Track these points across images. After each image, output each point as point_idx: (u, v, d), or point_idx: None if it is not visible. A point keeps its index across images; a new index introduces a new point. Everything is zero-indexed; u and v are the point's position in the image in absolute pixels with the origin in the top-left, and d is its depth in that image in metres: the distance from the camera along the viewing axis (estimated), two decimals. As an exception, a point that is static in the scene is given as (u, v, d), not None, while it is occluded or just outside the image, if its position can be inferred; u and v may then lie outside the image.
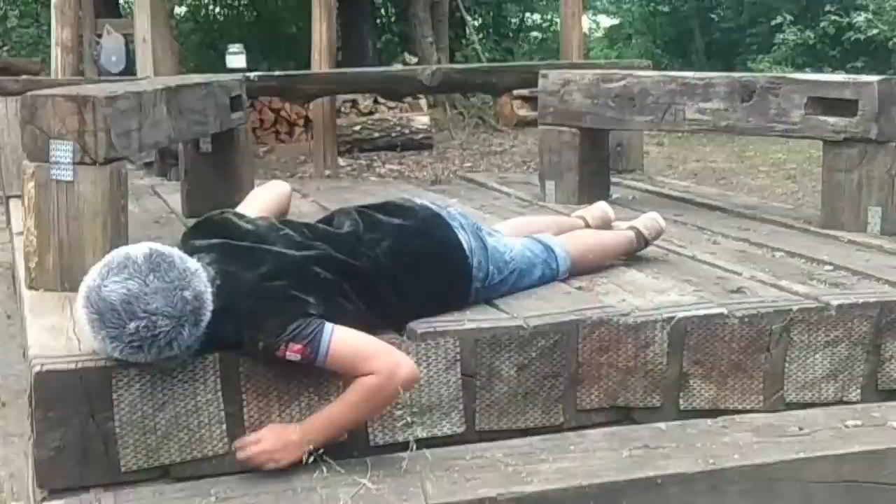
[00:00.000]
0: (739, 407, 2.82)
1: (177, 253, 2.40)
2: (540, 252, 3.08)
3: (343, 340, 2.42)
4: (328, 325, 2.41)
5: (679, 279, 3.15)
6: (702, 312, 2.81)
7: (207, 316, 2.36)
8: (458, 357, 2.63)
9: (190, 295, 2.31)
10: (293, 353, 2.38)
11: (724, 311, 2.82)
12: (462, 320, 2.70)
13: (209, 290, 2.37)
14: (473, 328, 2.66)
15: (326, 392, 2.52)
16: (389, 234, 2.74)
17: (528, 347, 2.67)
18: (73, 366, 2.36)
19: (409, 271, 2.68)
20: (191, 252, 2.51)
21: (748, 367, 2.83)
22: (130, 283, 2.27)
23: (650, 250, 3.48)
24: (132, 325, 2.25)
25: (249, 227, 2.67)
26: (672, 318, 2.78)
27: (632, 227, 3.42)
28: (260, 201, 2.99)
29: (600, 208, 3.61)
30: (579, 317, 2.74)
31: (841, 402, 2.89)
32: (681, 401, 2.81)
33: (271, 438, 2.41)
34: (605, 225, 3.54)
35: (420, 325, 2.63)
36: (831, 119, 3.81)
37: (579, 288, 3.04)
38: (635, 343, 2.75)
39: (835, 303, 2.88)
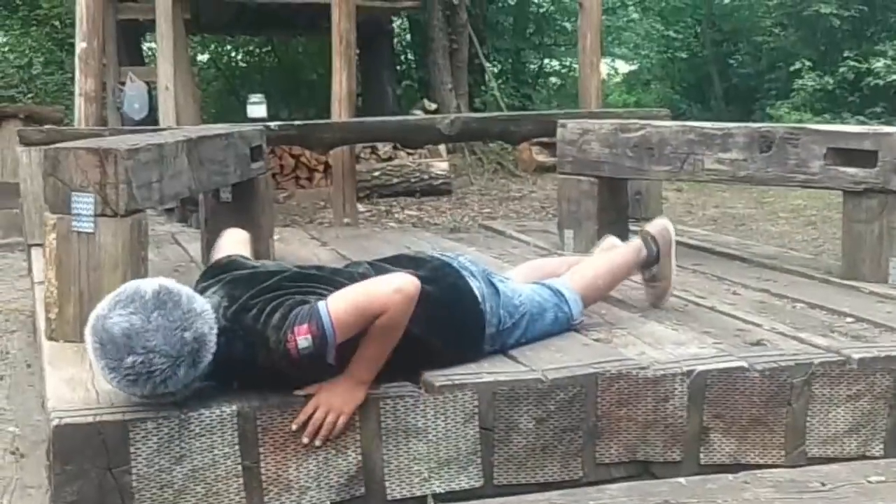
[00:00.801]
0: (761, 461, 2.79)
1: (186, 291, 2.43)
2: (549, 297, 3.07)
3: (339, 304, 2.44)
4: (322, 302, 2.44)
5: (698, 331, 3.13)
6: (722, 366, 2.79)
7: (208, 358, 2.39)
8: (477, 410, 2.62)
9: (190, 336, 2.35)
10: (302, 336, 2.39)
11: (745, 364, 2.80)
12: (480, 373, 2.69)
13: (213, 331, 2.40)
14: (491, 381, 2.65)
15: (344, 445, 2.51)
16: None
17: (547, 400, 2.66)
18: (91, 419, 2.37)
19: (422, 314, 2.64)
20: (201, 291, 2.55)
21: (769, 421, 2.80)
22: (134, 317, 2.32)
23: (670, 300, 3.46)
24: (129, 360, 2.31)
25: (256, 264, 2.78)
26: (692, 371, 2.76)
27: (640, 233, 3.39)
28: (227, 247, 3.00)
29: (610, 242, 3.61)
30: (598, 370, 2.72)
31: (863, 456, 2.85)
32: (701, 455, 2.78)
33: (323, 402, 2.46)
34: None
35: (438, 378, 2.62)
36: (851, 170, 3.80)
37: (598, 340, 3.03)
38: (654, 396, 2.73)
39: (856, 356, 2.86)
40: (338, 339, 2.44)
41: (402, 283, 2.50)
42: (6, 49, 17.98)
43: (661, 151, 4.29)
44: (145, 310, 2.34)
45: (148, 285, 2.41)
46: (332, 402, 2.47)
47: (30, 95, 15.67)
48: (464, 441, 2.61)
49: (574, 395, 2.68)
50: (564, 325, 3.08)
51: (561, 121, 4.75)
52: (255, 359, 2.45)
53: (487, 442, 2.63)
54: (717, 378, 2.76)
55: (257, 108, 8.35)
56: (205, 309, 2.42)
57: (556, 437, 2.67)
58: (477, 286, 2.86)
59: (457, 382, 2.62)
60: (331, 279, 2.67)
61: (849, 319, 3.29)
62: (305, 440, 2.48)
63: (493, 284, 2.93)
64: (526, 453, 2.66)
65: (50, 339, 3.03)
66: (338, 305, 2.44)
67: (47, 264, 3.03)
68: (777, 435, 2.81)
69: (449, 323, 2.75)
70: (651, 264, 3.36)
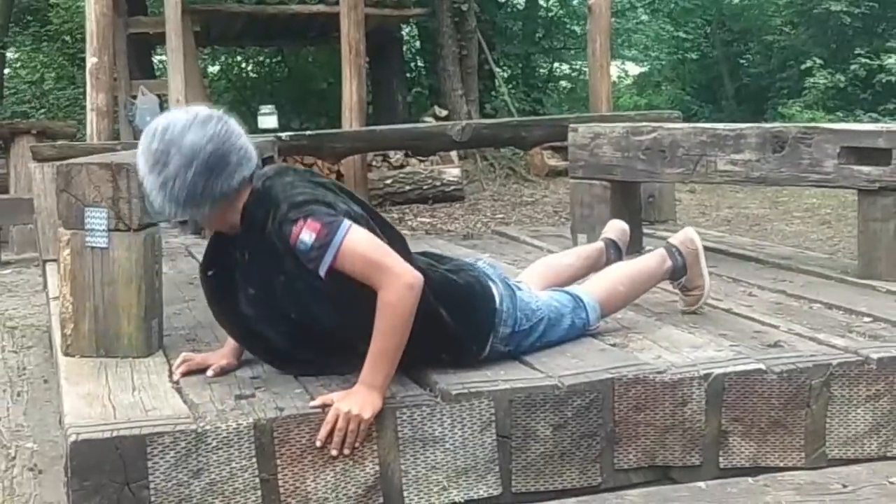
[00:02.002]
0: (780, 464, 2.77)
1: (240, 132, 2.62)
2: (567, 301, 3.06)
3: (358, 240, 2.48)
4: (347, 220, 2.49)
5: (715, 334, 3.11)
6: (739, 368, 2.77)
7: (221, 187, 2.54)
8: (493, 418, 2.61)
9: (211, 148, 2.52)
10: (309, 229, 2.44)
11: (763, 366, 2.78)
12: (496, 380, 2.68)
13: (241, 167, 2.57)
14: (508, 388, 2.64)
15: (361, 456, 2.50)
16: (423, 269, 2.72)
17: (564, 407, 2.65)
18: (108, 434, 2.37)
19: (438, 288, 2.69)
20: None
21: (788, 423, 2.78)
22: (180, 116, 2.57)
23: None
24: (155, 145, 2.53)
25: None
26: (709, 374, 2.74)
27: (665, 244, 3.38)
28: None
29: (614, 225, 3.62)
30: (615, 375, 2.71)
31: (884, 457, 2.83)
32: (720, 459, 2.76)
33: (342, 411, 2.45)
34: (624, 236, 3.56)
35: (454, 387, 2.61)
36: (865, 168, 3.78)
37: (614, 344, 3.02)
38: (672, 401, 2.72)
39: (875, 356, 2.84)
40: (336, 263, 2.47)
41: (414, 280, 2.51)
42: (18, 65, 18.10)
43: (674, 153, 4.28)
44: (192, 116, 2.55)
45: (212, 111, 2.61)
46: (351, 409, 2.47)
47: (42, 111, 15.76)
48: (481, 449, 2.59)
49: (591, 401, 2.66)
50: (581, 331, 3.07)
51: (572, 125, 4.74)
52: (263, 229, 2.52)
53: (505, 450, 2.61)
54: (734, 381, 2.75)
55: (268, 119, 8.38)
56: (246, 147, 2.60)
57: (573, 443, 2.66)
58: (495, 287, 2.87)
59: (473, 391, 2.61)
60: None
61: (866, 319, 3.27)
62: (334, 452, 2.47)
63: (510, 287, 2.94)
64: (544, 460, 2.64)
65: (66, 354, 3.04)
66: (357, 237, 2.49)
67: (62, 280, 3.04)
68: (796, 437, 2.79)
69: (462, 304, 2.75)
70: (679, 275, 3.33)
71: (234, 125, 2.62)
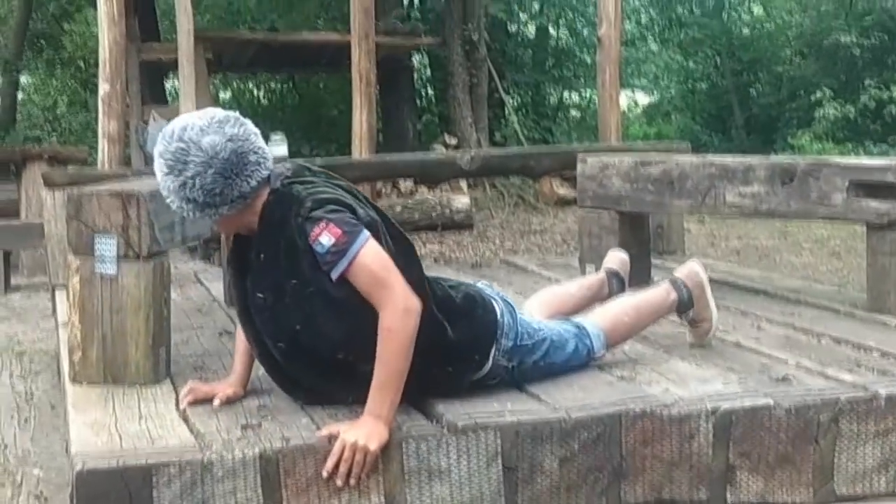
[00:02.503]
0: (788, 500, 2.76)
1: (256, 132, 2.64)
2: (571, 328, 3.08)
3: (372, 254, 2.52)
4: (366, 232, 2.53)
5: (723, 367, 3.11)
6: (747, 403, 2.76)
7: (241, 186, 2.56)
8: (500, 450, 2.60)
9: (232, 148, 2.54)
10: (329, 233, 2.48)
11: (770, 401, 2.77)
12: (502, 412, 2.67)
13: (259, 166, 2.59)
14: (514, 421, 2.63)
15: (367, 488, 2.50)
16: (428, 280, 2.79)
17: (571, 440, 2.64)
18: (114, 464, 2.37)
19: (439, 302, 2.74)
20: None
21: (796, 458, 2.77)
22: (197, 119, 2.58)
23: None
24: (174, 146, 2.55)
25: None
26: (717, 409, 2.73)
27: (670, 278, 3.39)
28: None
29: (615, 255, 3.65)
30: (622, 408, 2.70)
31: (893, 494, 2.82)
32: (728, 494, 2.75)
33: (349, 442, 2.45)
34: (624, 266, 3.60)
35: (461, 418, 2.61)
36: (874, 203, 3.78)
37: (621, 377, 3.01)
38: (679, 435, 2.71)
39: (884, 392, 2.83)
40: (348, 271, 2.50)
41: (413, 305, 2.53)
42: (31, 90, 18.23)
43: (682, 185, 4.29)
44: (210, 118, 2.57)
45: (228, 112, 2.64)
46: (357, 440, 2.46)
47: (55, 135, 15.85)
48: (487, 482, 2.59)
49: (598, 435, 2.66)
50: (585, 358, 3.07)
51: (581, 156, 4.75)
52: (284, 222, 2.54)
53: (511, 482, 2.61)
54: (742, 416, 2.74)
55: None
56: (263, 148, 2.62)
57: (580, 476, 2.65)
58: (495, 302, 2.90)
59: (479, 423, 2.61)
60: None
61: (875, 354, 3.26)
62: (339, 483, 2.47)
63: (510, 304, 2.96)
64: (550, 494, 2.63)
65: (74, 381, 3.04)
66: (372, 252, 2.53)
67: (71, 307, 3.05)
68: (804, 473, 2.77)
69: (464, 314, 2.79)
70: (686, 308, 3.33)
71: (251, 126, 2.65)
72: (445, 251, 8.89)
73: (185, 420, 2.69)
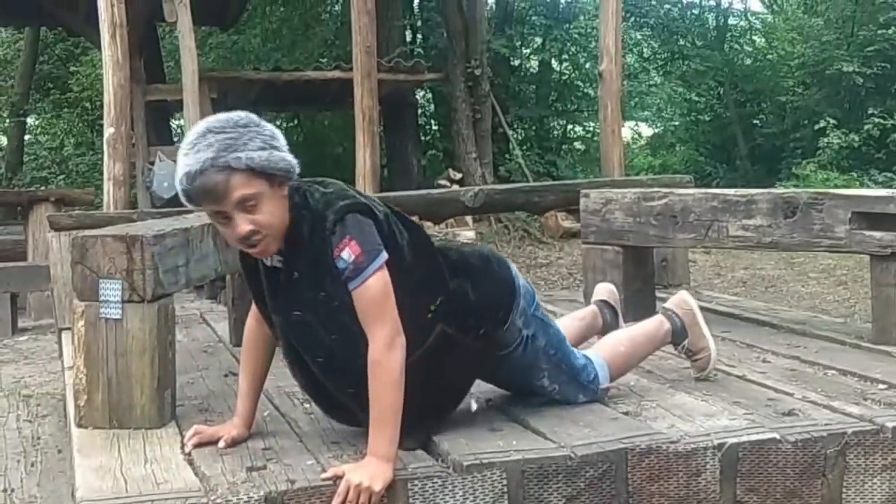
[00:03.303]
0: (797, 535, 2.74)
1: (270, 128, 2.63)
2: (579, 354, 3.12)
3: (383, 282, 2.57)
4: (384, 254, 2.58)
5: (729, 401, 3.10)
6: (754, 438, 2.75)
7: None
8: (506, 489, 2.59)
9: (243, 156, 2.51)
10: (350, 250, 2.54)
11: (777, 435, 2.76)
12: (508, 451, 2.67)
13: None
14: (520, 459, 2.62)
15: (372, 529, 2.49)
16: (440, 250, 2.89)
17: (577, 478, 2.63)
18: (119, 509, 2.36)
19: (458, 266, 2.83)
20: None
21: (804, 493, 2.75)
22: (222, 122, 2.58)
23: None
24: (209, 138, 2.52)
25: None
26: (723, 444, 2.72)
27: (661, 309, 3.41)
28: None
29: (602, 287, 3.69)
30: (627, 445, 2.69)
31: (903, 527, 2.80)
32: (736, 530, 2.73)
33: (353, 483, 2.45)
34: (614, 296, 3.64)
35: (466, 458, 2.60)
36: (877, 234, 3.78)
37: (626, 413, 3.00)
38: (686, 471, 2.69)
39: (890, 425, 2.81)
40: (356, 290, 2.55)
41: (399, 340, 2.58)
42: (38, 132, 18.36)
43: (685, 219, 4.29)
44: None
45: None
46: (362, 482, 2.46)
47: (62, 177, 15.94)
48: (494, 521, 2.58)
49: (604, 472, 2.65)
50: (592, 384, 3.08)
51: (584, 191, 4.76)
52: (313, 233, 2.58)
53: (518, 521, 2.59)
54: (749, 451, 2.72)
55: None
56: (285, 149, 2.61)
57: (587, 514, 2.63)
58: (509, 261, 3.01)
59: (485, 461, 2.60)
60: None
61: (881, 386, 3.25)
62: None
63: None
64: (557, 532, 2.62)
65: (79, 426, 3.04)
66: (383, 280, 2.57)
67: (76, 351, 3.06)
68: (813, 507, 2.76)
69: (481, 273, 2.87)
70: (680, 338, 3.34)
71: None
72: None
73: (191, 463, 2.69)
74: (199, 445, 2.79)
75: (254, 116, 2.62)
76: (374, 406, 2.56)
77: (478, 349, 2.84)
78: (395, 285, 2.60)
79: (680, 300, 3.39)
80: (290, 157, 2.61)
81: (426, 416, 2.77)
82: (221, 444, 2.78)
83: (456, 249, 2.97)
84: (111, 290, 2.99)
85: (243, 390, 2.91)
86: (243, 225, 2.54)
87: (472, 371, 2.91)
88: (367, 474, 2.48)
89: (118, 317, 2.99)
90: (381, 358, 2.56)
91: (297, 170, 2.63)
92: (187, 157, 2.52)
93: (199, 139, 2.53)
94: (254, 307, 2.93)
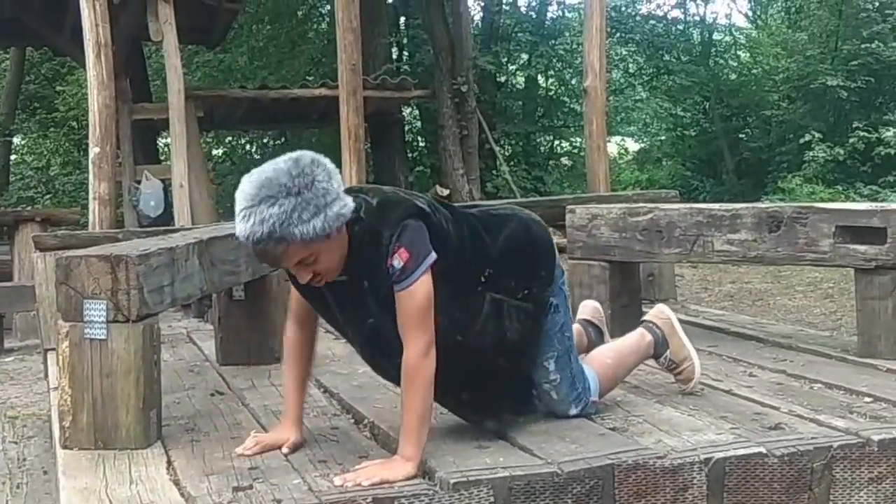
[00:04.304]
0: (785, 549, 2.74)
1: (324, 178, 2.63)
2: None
3: (426, 289, 2.68)
4: (432, 255, 2.70)
5: (715, 416, 3.10)
6: (740, 452, 2.75)
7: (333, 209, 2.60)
8: (493, 506, 2.58)
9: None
10: (400, 257, 2.65)
11: (763, 449, 2.76)
12: (495, 468, 2.66)
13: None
14: (507, 476, 2.62)
15: (359, 548, 2.48)
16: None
17: (564, 494, 2.62)
18: (103, 530, 2.35)
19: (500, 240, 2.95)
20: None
21: (791, 507, 2.75)
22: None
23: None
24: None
25: None
26: (710, 459, 2.72)
27: (641, 322, 3.45)
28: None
29: (586, 305, 3.71)
30: (614, 460, 2.69)
31: (889, 540, 2.80)
32: (724, 545, 2.73)
33: (378, 472, 2.59)
34: (597, 313, 3.65)
35: (453, 475, 2.59)
36: (861, 247, 3.80)
37: (613, 428, 3.00)
38: (673, 486, 2.69)
39: (876, 438, 2.82)
40: (401, 291, 2.66)
41: (432, 349, 2.70)
42: (24, 151, 18.31)
43: (671, 234, 4.31)
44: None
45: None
46: (384, 476, 2.58)
47: (48, 196, 15.89)
48: (481, 539, 2.57)
49: (591, 488, 2.64)
50: (587, 397, 3.09)
51: (570, 206, 4.77)
52: (370, 245, 2.68)
53: (505, 539, 2.59)
54: (735, 465, 2.72)
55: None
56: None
57: (574, 531, 2.63)
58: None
59: (472, 479, 2.59)
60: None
61: (867, 399, 3.26)
62: (338, 482, 2.57)
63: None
64: (544, 549, 2.61)
65: (64, 447, 3.02)
66: (427, 286, 2.68)
67: (61, 372, 3.04)
68: (800, 521, 2.76)
69: (505, 220, 3.01)
70: (662, 349, 3.36)
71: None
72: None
73: (176, 484, 2.67)
74: (259, 454, 2.83)
75: (305, 162, 2.64)
76: (407, 411, 2.68)
77: (529, 310, 2.95)
78: (447, 269, 2.74)
79: (658, 311, 3.43)
80: (345, 207, 2.64)
81: (500, 394, 2.94)
82: (285, 449, 2.84)
83: (497, 214, 3.06)
84: (96, 311, 2.98)
85: (291, 396, 2.97)
86: (304, 276, 2.68)
87: (532, 333, 2.98)
88: (390, 466, 2.63)
89: (103, 337, 2.98)
90: (419, 364, 2.67)
91: (352, 208, 2.67)
92: (244, 223, 2.59)
93: (251, 208, 2.57)
94: (292, 314, 2.99)
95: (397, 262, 2.67)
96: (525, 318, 2.95)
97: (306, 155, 2.68)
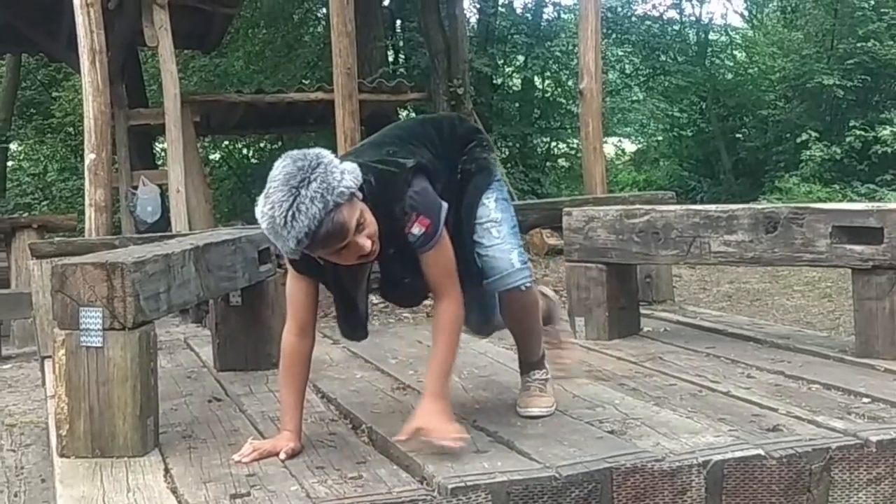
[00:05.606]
0: (784, 551, 2.74)
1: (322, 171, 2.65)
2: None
3: (448, 246, 2.88)
4: (444, 205, 2.86)
5: (713, 418, 3.09)
6: (738, 454, 2.74)
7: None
8: (491, 511, 2.58)
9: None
10: (420, 224, 2.79)
11: (761, 451, 2.75)
12: (493, 472, 2.66)
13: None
14: (505, 480, 2.61)
15: (357, 555, 2.47)
16: None
17: (562, 498, 2.62)
18: (101, 539, 2.34)
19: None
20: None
21: (790, 509, 2.75)
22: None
23: (684, 386, 3.50)
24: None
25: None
26: (708, 461, 2.72)
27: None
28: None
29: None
30: (613, 464, 2.68)
31: (889, 541, 2.80)
32: (723, 547, 2.72)
33: (433, 425, 2.79)
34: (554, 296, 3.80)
35: (450, 480, 2.59)
36: (858, 247, 3.79)
37: (611, 431, 3.00)
38: (671, 489, 2.69)
39: (874, 438, 2.81)
40: (428, 255, 2.83)
41: (462, 303, 2.92)
42: (21, 158, 18.30)
43: (668, 236, 4.30)
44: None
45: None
46: (429, 421, 2.78)
47: (45, 202, 15.88)
48: (479, 544, 2.56)
49: (590, 492, 2.64)
50: (524, 259, 3.15)
51: (566, 209, 4.76)
52: (384, 215, 2.76)
53: (503, 544, 2.58)
54: (734, 467, 2.72)
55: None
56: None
57: (573, 535, 2.62)
58: None
59: (470, 484, 2.58)
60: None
61: (865, 400, 3.25)
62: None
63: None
64: (543, 553, 2.61)
65: (62, 455, 3.02)
66: (448, 243, 2.88)
67: (57, 380, 3.03)
68: (799, 523, 2.75)
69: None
70: (548, 320, 3.54)
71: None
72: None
73: (174, 492, 2.67)
74: (256, 460, 2.83)
75: (292, 153, 2.70)
76: (443, 353, 2.89)
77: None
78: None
79: (546, 290, 3.67)
80: (354, 168, 2.71)
81: None
82: (283, 455, 2.84)
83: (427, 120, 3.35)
84: (92, 318, 2.97)
85: (290, 404, 2.97)
86: (365, 243, 2.71)
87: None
88: (434, 413, 2.83)
89: (99, 345, 2.97)
90: (458, 313, 2.91)
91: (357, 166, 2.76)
92: (296, 221, 2.58)
93: (291, 206, 2.58)
94: (294, 320, 3.01)
95: (417, 229, 2.80)
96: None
97: (288, 153, 2.72)
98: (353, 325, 3.11)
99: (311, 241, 2.61)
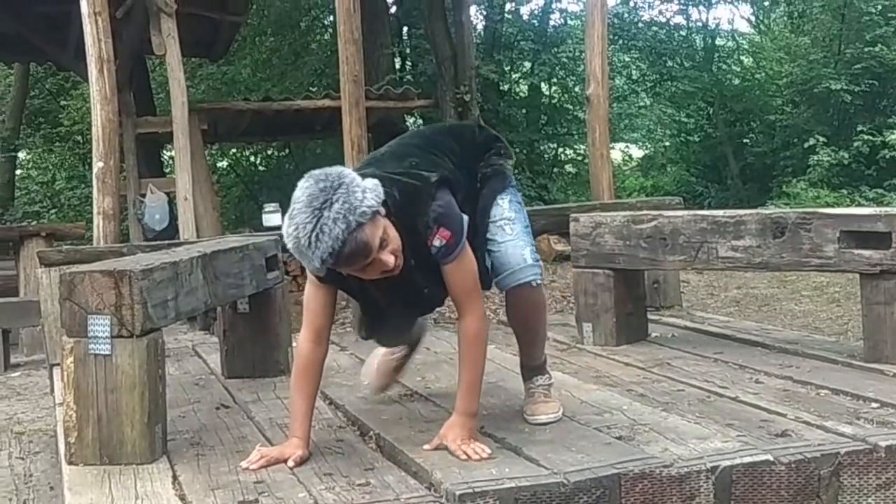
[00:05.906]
0: (793, 557, 2.73)
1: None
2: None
3: (471, 258, 2.94)
4: (464, 217, 2.90)
5: (722, 423, 3.09)
6: (747, 460, 2.74)
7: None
8: (499, 518, 2.57)
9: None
10: (441, 237, 2.83)
11: (770, 457, 2.75)
12: (501, 479, 2.65)
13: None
14: (513, 487, 2.61)
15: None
16: None
17: (570, 504, 2.62)
18: (109, 547, 2.35)
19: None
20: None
21: (799, 514, 2.74)
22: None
23: (692, 392, 3.49)
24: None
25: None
26: (717, 467, 2.71)
27: None
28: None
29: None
30: (621, 470, 2.68)
31: (898, 547, 2.79)
32: (732, 553, 2.71)
33: (465, 446, 2.83)
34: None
35: (458, 486, 2.59)
36: (866, 252, 3.78)
37: (619, 437, 2.99)
38: (680, 495, 2.68)
39: (883, 444, 2.80)
40: (450, 267, 2.88)
41: (485, 315, 2.99)
42: (30, 166, 18.35)
43: (675, 241, 4.29)
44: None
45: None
46: (457, 434, 2.85)
47: (54, 211, 15.92)
48: (488, 551, 2.56)
49: (598, 498, 2.63)
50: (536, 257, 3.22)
51: (573, 215, 4.75)
52: (407, 230, 2.82)
53: (512, 550, 2.58)
54: (742, 473, 2.71)
55: (273, 216, 8.44)
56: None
57: (581, 541, 2.62)
58: None
59: (478, 490, 2.58)
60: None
61: (874, 405, 3.24)
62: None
63: None
64: (552, 560, 2.60)
65: (70, 463, 3.02)
66: (470, 255, 2.93)
67: (65, 388, 3.04)
68: (808, 529, 2.74)
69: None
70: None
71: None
72: (444, 310, 8.85)
73: (182, 498, 2.67)
74: (264, 467, 2.83)
75: (313, 174, 2.73)
76: (472, 372, 2.94)
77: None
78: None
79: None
80: (370, 181, 2.74)
81: None
82: (291, 463, 2.85)
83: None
84: (100, 326, 2.98)
85: (301, 411, 2.98)
86: (389, 259, 2.76)
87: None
88: (462, 428, 2.89)
89: (107, 352, 2.98)
90: (481, 329, 2.94)
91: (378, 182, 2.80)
92: (320, 242, 2.63)
93: (315, 228, 2.62)
94: (310, 327, 3.02)
95: (438, 241, 2.84)
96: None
97: (310, 173, 2.75)
98: (387, 332, 3.30)
99: (335, 260, 2.67)
